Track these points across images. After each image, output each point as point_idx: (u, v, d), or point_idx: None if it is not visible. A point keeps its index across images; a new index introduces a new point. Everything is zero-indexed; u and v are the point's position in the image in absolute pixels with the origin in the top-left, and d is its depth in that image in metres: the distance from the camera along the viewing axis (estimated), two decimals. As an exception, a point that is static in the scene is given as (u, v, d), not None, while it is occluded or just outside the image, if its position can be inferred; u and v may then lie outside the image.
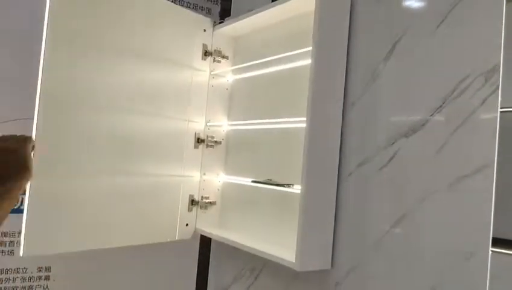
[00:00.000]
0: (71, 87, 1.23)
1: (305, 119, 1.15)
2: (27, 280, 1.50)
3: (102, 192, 1.32)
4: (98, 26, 1.29)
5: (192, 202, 1.57)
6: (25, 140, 0.97)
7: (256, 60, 1.44)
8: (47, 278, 1.53)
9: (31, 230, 1.14)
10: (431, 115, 1.00)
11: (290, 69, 1.40)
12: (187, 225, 1.56)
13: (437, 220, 0.97)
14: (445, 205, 0.96)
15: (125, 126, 1.37)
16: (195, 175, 1.58)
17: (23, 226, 1.13)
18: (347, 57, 1.20)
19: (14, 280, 1.48)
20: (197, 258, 1.79)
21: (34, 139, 1.09)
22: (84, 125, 1.27)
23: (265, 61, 1.41)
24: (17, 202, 1.36)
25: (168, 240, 1.49)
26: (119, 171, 1.36)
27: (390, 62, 1.11)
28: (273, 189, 1.34)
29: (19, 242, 1.24)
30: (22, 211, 1.14)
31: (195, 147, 1.58)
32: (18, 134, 0.99)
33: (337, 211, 1.20)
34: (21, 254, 1.13)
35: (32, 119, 1.15)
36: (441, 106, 0.98)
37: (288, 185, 1.26)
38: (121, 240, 1.36)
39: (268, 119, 1.41)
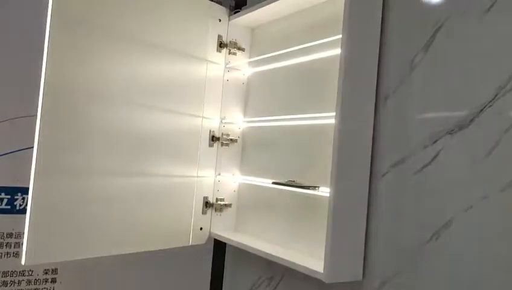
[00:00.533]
0: (77, 80, 1.13)
1: (332, 114, 1.04)
2: (33, 283, 1.45)
3: (111, 195, 1.22)
4: (105, 14, 1.19)
5: (207, 204, 1.47)
6: None
7: (275, 51, 1.33)
8: (53, 280, 1.48)
9: (33, 236, 1.04)
10: (481, 110, 0.88)
11: (313, 60, 1.29)
12: (201, 228, 1.45)
13: (486, 230, 0.86)
14: (496, 213, 0.84)
15: (135, 123, 1.27)
16: (209, 175, 1.47)
17: (25, 232, 1.03)
18: (380, 47, 1.09)
19: (19, 283, 1.43)
20: (211, 265, 1.69)
21: None
22: (92, 123, 1.17)
23: (286, 53, 1.30)
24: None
25: (181, 245, 1.39)
26: (128, 171, 1.25)
27: (431, 51, 1.00)
28: (294, 191, 1.24)
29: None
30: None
31: (210, 145, 1.47)
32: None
33: (369, 216, 1.09)
34: (23, 262, 1.03)
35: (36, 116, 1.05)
36: (492, 99, 0.86)
37: (314, 188, 1.15)
38: (130, 246, 1.26)
39: (289, 115, 1.30)
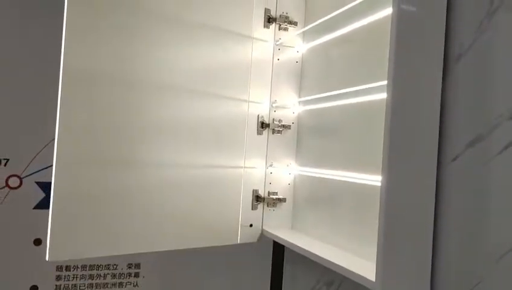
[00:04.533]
0: (101, 64, 1.06)
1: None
2: (117, 277, 1.49)
3: (148, 186, 1.12)
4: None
5: (257, 198, 1.31)
6: None
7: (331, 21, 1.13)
8: (136, 275, 1.50)
9: (57, 231, 0.98)
10: None
11: (377, 22, 1.05)
12: (251, 225, 1.30)
13: None
14: None
15: (173, 109, 1.16)
16: (259, 166, 1.32)
17: (49, 227, 0.98)
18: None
19: (105, 276, 1.47)
20: (270, 265, 1.53)
21: None
22: (126, 110, 1.09)
23: (345, 15, 1.09)
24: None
25: (228, 243, 1.25)
26: (168, 161, 1.15)
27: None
28: (359, 184, 1.03)
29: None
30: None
31: (259, 133, 1.31)
32: None
33: (437, 211, 0.84)
34: (47, 258, 0.98)
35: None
36: None
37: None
38: (169, 242, 1.16)
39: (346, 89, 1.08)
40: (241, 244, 1.28)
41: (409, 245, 0.84)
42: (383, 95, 0.84)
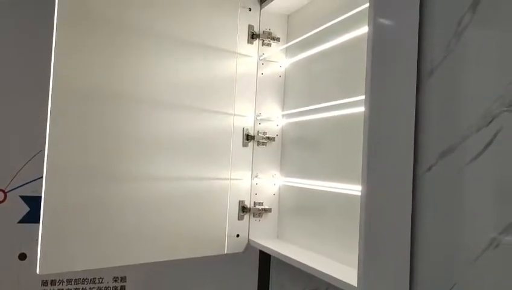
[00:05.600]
0: (90, 79, 1.09)
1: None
2: None
3: (136, 199, 1.15)
4: (120, 3, 1.13)
5: (244, 209, 1.35)
6: None
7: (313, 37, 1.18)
8: (122, 288, 1.49)
9: (47, 244, 1.00)
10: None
11: (355, 39, 1.11)
12: (238, 235, 1.33)
13: None
14: None
15: (162, 123, 1.20)
16: (245, 178, 1.35)
17: (39, 240, 1.00)
18: (420, 9, 0.89)
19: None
20: (257, 274, 1.56)
21: None
22: (113, 123, 1.12)
23: (326, 32, 1.14)
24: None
25: (215, 254, 1.28)
26: (156, 174, 1.18)
27: (479, 11, 0.79)
28: (342, 193, 1.07)
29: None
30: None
31: (244, 145, 1.35)
32: None
33: (414, 218, 0.89)
34: (37, 271, 0.99)
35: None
36: None
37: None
38: (158, 254, 1.18)
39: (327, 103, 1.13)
40: (228, 255, 1.31)
41: (389, 251, 0.88)
42: (361, 109, 0.89)
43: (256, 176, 1.37)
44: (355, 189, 1.01)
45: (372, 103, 0.86)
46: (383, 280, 0.88)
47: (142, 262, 1.15)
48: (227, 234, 1.31)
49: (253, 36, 1.37)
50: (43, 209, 1.00)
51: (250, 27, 1.37)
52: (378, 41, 0.87)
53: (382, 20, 0.88)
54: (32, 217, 1.40)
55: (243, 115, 1.35)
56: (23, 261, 1.39)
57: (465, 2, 0.81)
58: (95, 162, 1.09)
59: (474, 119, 0.78)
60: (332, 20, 1.11)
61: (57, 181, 1.02)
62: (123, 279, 1.49)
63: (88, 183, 1.08)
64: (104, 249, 1.09)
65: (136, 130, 1.15)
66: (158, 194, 1.18)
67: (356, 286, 0.86)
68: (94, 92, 1.09)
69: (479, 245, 0.77)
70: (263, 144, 1.38)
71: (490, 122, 0.75)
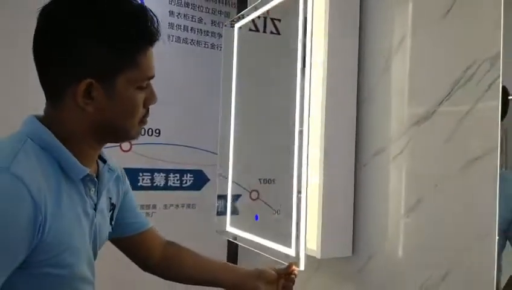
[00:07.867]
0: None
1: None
2: None
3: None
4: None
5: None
6: None
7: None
8: None
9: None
10: (439, 104, 1.04)
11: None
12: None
13: (449, 203, 1.01)
14: (458, 188, 0.99)
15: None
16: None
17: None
18: (359, 47, 1.25)
19: None
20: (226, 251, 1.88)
21: None
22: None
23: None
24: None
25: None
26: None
27: (401, 51, 1.15)
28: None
29: None
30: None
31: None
32: None
33: (356, 199, 1.25)
34: None
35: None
36: (449, 94, 1.01)
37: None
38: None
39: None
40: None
41: (338, 222, 1.24)
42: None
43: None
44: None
45: (327, 119, 1.21)
46: (333, 243, 1.23)
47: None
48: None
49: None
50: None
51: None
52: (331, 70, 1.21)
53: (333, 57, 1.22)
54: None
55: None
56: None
57: (393, 42, 1.17)
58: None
59: (395, 131, 1.15)
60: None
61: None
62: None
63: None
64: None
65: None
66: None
67: (316, 249, 1.20)
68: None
69: (396, 219, 1.14)
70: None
71: (405, 133, 1.12)
